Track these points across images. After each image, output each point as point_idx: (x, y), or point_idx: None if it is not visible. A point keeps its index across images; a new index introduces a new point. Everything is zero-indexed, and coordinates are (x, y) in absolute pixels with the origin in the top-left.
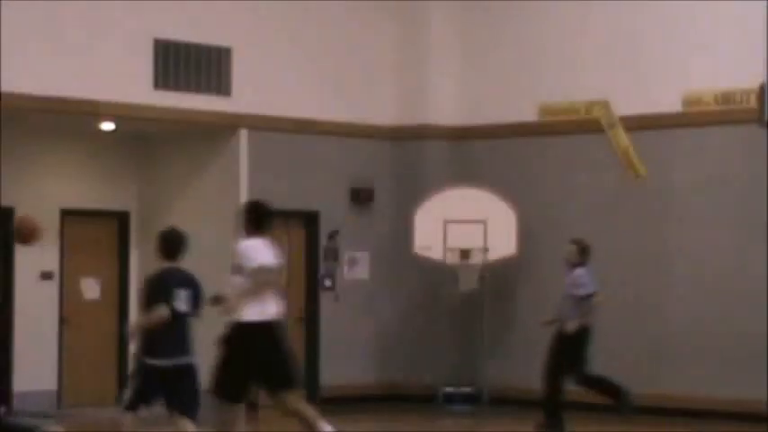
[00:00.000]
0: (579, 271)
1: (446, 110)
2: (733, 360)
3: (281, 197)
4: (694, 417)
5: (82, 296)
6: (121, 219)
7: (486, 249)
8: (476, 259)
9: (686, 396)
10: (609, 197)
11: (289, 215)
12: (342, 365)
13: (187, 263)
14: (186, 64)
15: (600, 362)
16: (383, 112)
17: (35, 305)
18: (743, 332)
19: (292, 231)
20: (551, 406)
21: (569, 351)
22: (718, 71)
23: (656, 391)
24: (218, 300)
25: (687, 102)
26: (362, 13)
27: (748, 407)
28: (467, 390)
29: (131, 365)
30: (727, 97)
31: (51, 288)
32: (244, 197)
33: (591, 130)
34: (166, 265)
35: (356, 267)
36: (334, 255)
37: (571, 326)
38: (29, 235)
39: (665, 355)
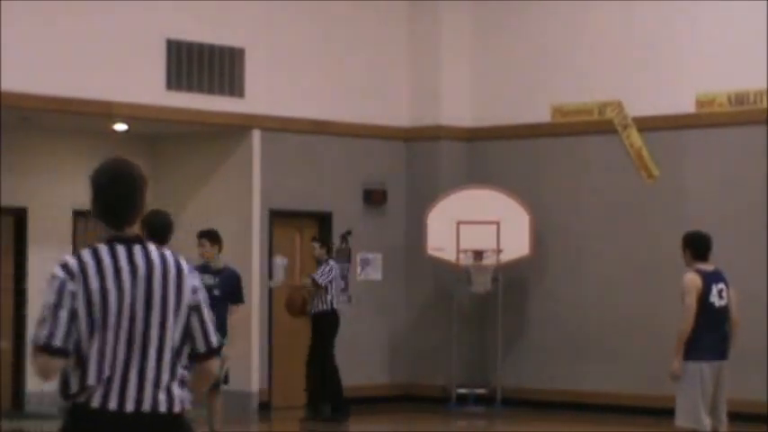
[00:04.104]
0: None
1: (459, 111)
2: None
3: (293, 198)
4: None
5: None
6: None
7: (499, 250)
8: (489, 260)
9: None
10: (622, 198)
11: (301, 216)
12: (355, 366)
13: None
14: (199, 65)
15: (608, 361)
16: (396, 113)
17: None
18: (751, 333)
19: (305, 232)
20: None
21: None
22: (731, 72)
23: (659, 392)
24: None
25: (700, 102)
26: (375, 13)
27: (748, 407)
28: (480, 391)
29: None
30: (740, 98)
31: None
32: (257, 197)
33: (604, 131)
34: None
35: (369, 268)
36: (346, 256)
37: None
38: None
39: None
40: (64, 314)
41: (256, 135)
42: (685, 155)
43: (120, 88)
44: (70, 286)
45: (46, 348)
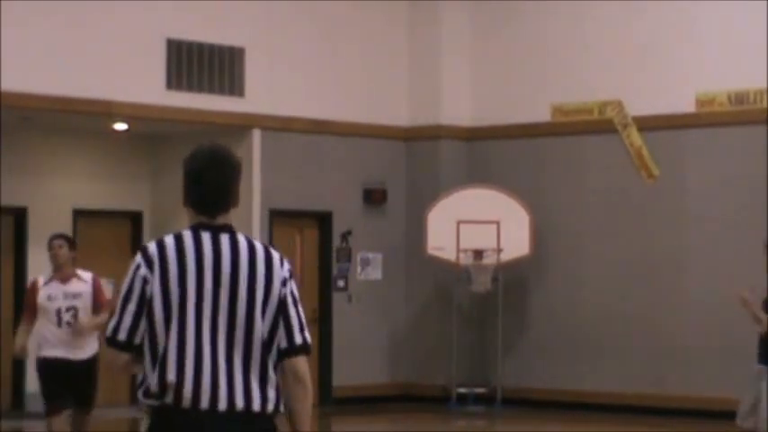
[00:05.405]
0: None
1: (459, 110)
2: (734, 360)
3: (293, 197)
4: (694, 416)
5: None
6: (134, 219)
7: (499, 250)
8: (489, 260)
9: (688, 396)
10: (622, 198)
11: (302, 215)
12: (355, 366)
13: None
14: (199, 64)
15: (608, 361)
16: (396, 112)
17: None
18: (751, 332)
19: (305, 232)
20: None
21: None
22: (731, 71)
23: (660, 392)
24: None
25: (700, 102)
26: (375, 13)
27: None
28: (480, 390)
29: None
30: (740, 97)
31: None
32: (257, 197)
33: (604, 131)
34: None
35: (369, 268)
36: (347, 255)
37: None
38: None
39: (672, 355)
40: (132, 306)
41: (256, 134)
42: (685, 154)
43: (120, 88)
44: (142, 271)
45: (111, 342)
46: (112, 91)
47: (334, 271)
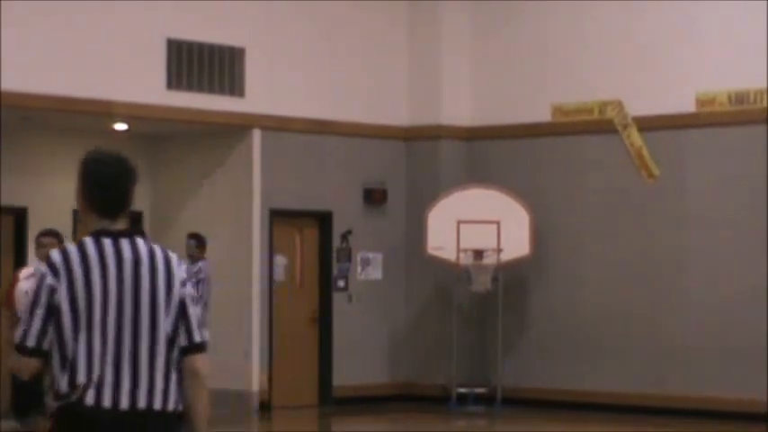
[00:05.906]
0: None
1: (459, 110)
2: (734, 360)
3: (294, 197)
4: (694, 416)
5: None
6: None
7: (499, 250)
8: (489, 260)
9: (687, 396)
10: (622, 198)
11: (302, 215)
12: (355, 366)
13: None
14: (199, 64)
15: (608, 361)
16: (396, 112)
17: None
18: (751, 332)
19: (305, 232)
20: None
21: None
22: (731, 71)
23: (660, 392)
24: None
25: (700, 102)
26: (375, 13)
27: (748, 407)
28: (480, 390)
29: None
30: (740, 97)
31: None
32: (257, 197)
33: (604, 131)
34: None
35: (369, 268)
36: (347, 255)
37: None
38: None
39: (672, 355)
40: (40, 312)
41: (256, 134)
42: (685, 154)
43: (120, 88)
44: (49, 280)
45: (19, 348)
46: (112, 91)
47: (335, 271)
